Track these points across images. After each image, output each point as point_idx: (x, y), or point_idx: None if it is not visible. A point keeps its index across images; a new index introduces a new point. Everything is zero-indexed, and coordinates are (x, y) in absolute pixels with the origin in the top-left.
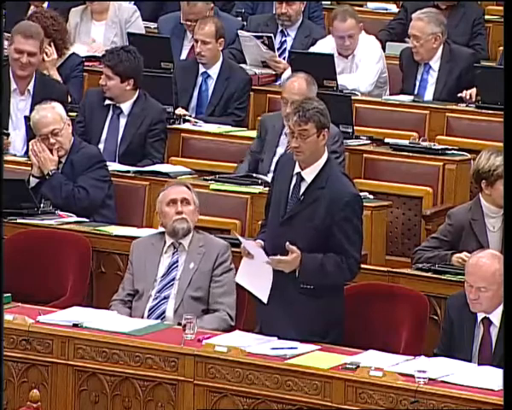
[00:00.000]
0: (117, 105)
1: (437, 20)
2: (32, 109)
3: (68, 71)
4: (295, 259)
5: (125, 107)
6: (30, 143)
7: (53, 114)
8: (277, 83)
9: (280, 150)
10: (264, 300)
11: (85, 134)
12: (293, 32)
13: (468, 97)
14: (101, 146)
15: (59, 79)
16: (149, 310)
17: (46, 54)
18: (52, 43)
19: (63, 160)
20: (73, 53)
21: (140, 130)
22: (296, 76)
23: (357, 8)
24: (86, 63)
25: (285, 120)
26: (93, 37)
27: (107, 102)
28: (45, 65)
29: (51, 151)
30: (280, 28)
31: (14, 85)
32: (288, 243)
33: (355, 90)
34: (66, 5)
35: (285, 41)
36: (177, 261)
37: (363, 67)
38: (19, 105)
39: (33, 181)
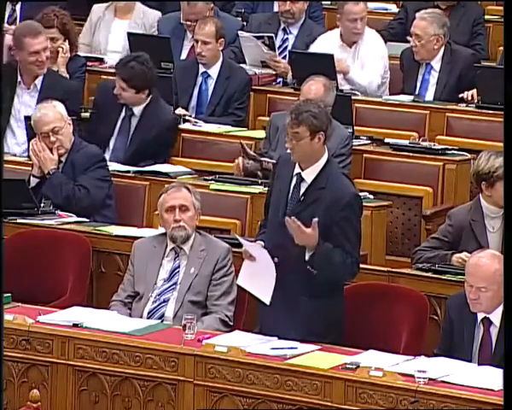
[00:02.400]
0: (129, 106)
1: (440, 22)
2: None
3: (71, 71)
4: (314, 236)
5: (137, 109)
6: (30, 143)
7: (54, 112)
8: (277, 83)
9: None
10: (267, 301)
11: (96, 126)
12: (295, 31)
13: (469, 98)
14: (111, 144)
15: (67, 76)
16: (149, 312)
17: (62, 50)
18: (67, 41)
19: (63, 159)
20: (76, 54)
21: (150, 134)
22: (315, 80)
23: None
24: (87, 63)
25: None
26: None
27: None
28: (58, 61)
29: (51, 151)
30: (282, 26)
31: (18, 78)
32: (315, 220)
33: (367, 85)
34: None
35: (287, 39)
36: (178, 266)
37: (371, 64)
38: (23, 98)
39: (34, 181)
